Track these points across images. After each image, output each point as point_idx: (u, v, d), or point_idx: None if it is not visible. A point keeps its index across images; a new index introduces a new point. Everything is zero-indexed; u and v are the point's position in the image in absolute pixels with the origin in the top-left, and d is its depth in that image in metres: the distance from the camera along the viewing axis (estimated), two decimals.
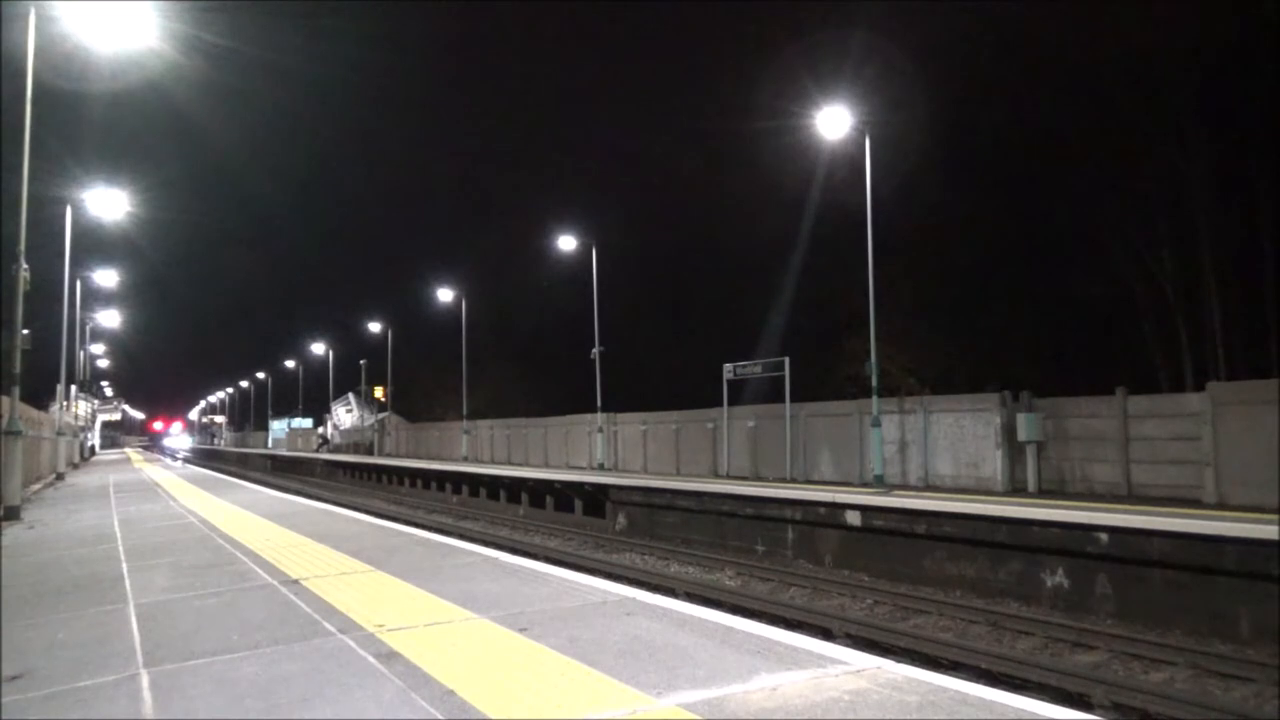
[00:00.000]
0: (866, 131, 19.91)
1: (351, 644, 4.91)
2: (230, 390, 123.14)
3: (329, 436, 72.75)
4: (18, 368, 14.13)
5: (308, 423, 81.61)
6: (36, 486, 22.20)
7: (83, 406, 53.86)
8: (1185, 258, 26.37)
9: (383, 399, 61.80)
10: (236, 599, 6.38)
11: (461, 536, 17.14)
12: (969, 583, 13.28)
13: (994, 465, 18.45)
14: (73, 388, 41.98)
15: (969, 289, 31.26)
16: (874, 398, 19.95)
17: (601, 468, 29.33)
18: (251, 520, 12.22)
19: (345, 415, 71.06)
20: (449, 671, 4.28)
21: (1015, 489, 17.91)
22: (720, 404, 25.45)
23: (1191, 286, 26.30)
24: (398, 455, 53.33)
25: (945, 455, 19.56)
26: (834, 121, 19.84)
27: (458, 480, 32.47)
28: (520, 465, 35.55)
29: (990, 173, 30.57)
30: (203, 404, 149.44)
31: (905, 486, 19.47)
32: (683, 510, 19.71)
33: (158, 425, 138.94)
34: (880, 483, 18.85)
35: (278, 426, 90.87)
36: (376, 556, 8.24)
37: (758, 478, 23.38)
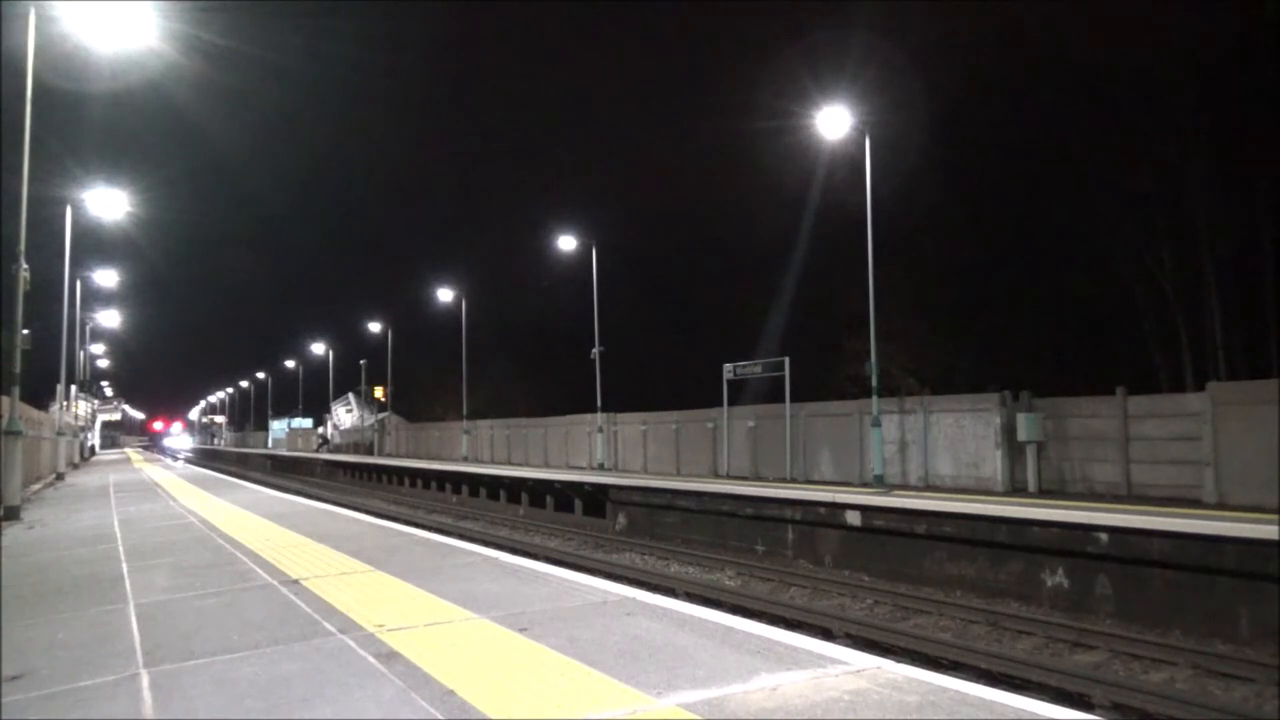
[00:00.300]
0: (866, 131, 19.91)
1: (351, 644, 4.91)
2: (230, 390, 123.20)
3: (329, 436, 72.76)
4: (18, 368, 14.13)
5: (308, 423, 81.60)
6: (36, 486, 22.20)
7: (83, 406, 53.87)
8: (1185, 258, 26.36)
9: (383, 399, 61.80)
10: (236, 599, 6.38)
11: (461, 536, 17.14)
12: (969, 583, 13.28)
13: (994, 465, 18.45)
14: (73, 388, 41.98)
15: (969, 289, 31.25)
16: (874, 398, 19.95)
17: (601, 468, 29.33)
18: (251, 520, 12.22)
19: (345, 415, 71.07)
20: (449, 671, 4.28)
21: (1015, 489, 17.91)
22: (720, 404, 25.45)
23: (1191, 286, 26.29)
24: (398, 455, 53.33)
25: (945, 455, 19.56)
26: (834, 121, 19.84)
27: (458, 480, 32.48)
28: (520, 465, 35.55)
29: (990, 173, 30.58)
30: (203, 404, 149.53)
31: (905, 486, 19.47)
32: (683, 510, 19.71)
33: (158, 425, 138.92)
34: (880, 483, 18.85)
35: (278, 426, 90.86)
36: (376, 556, 8.24)
37: (758, 478, 23.38)
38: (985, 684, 5.91)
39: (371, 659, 4.58)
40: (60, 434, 31.16)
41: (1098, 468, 16.95)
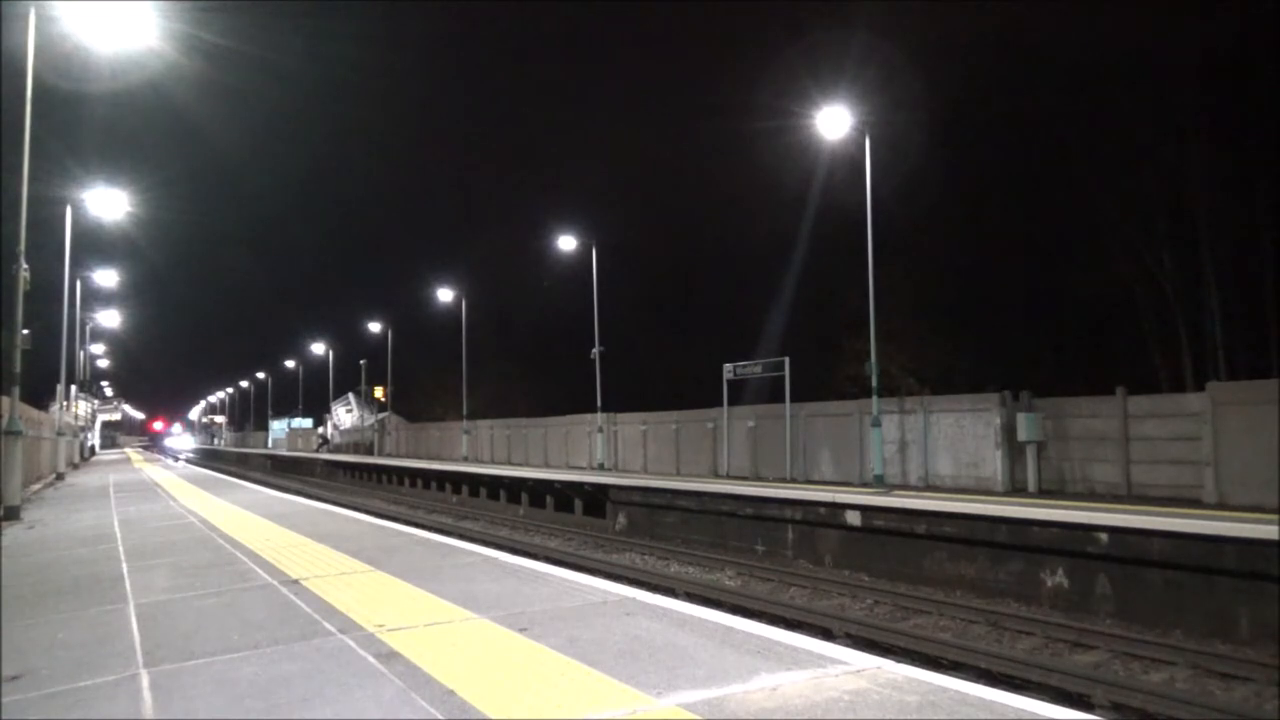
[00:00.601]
0: (866, 131, 19.91)
1: (351, 644, 4.91)
2: (230, 390, 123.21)
3: (329, 436, 72.76)
4: (18, 368, 14.13)
5: (308, 423, 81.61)
6: (36, 486, 22.20)
7: (83, 406, 53.87)
8: (1185, 258, 26.37)
9: (383, 399, 61.81)
10: (236, 599, 6.38)
11: (461, 536, 17.14)
12: (969, 583, 13.28)
13: (994, 465, 18.45)
14: (73, 388, 41.97)
15: (969, 289, 31.26)
16: (874, 398, 19.95)
17: (601, 468, 29.33)
18: (251, 520, 12.21)
19: (345, 415, 71.08)
20: (449, 671, 4.28)
21: (1015, 489, 17.91)
22: (720, 404, 25.45)
23: (1191, 286, 26.30)
24: (398, 455, 53.33)
25: (945, 455, 19.56)
26: (834, 121, 19.84)
27: (457, 480, 32.48)
28: (520, 465, 35.55)
29: (990, 172, 30.59)
30: (203, 404, 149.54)
31: (905, 486, 19.47)
32: (683, 510, 19.71)
33: (158, 425, 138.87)
34: (880, 483, 18.85)
35: (278, 426, 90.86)
36: (376, 556, 8.24)
37: (758, 478, 23.38)
38: (985, 684, 5.91)
39: (371, 659, 4.58)
40: (60, 434, 31.16)
41: (1098, 468, 16.95)
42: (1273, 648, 9.29)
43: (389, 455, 54.14)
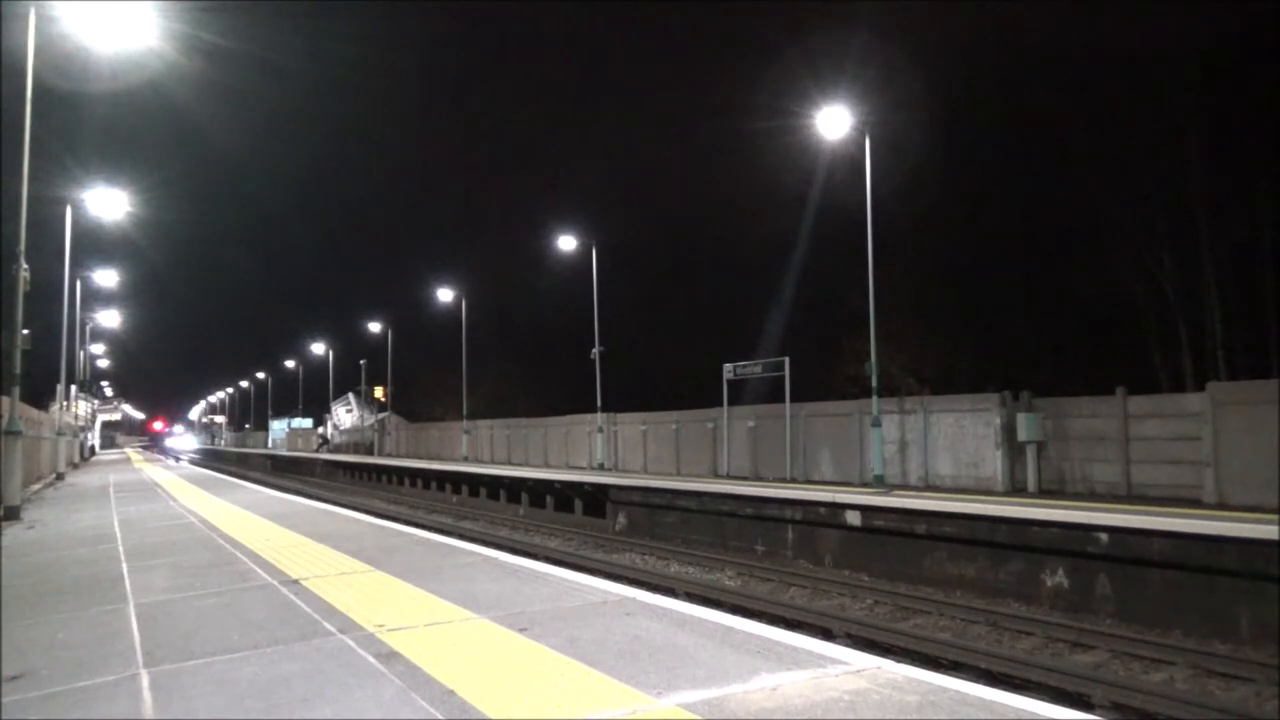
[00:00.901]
0: (866, 131, 19.91)
1: (351, 644, 4.91)
2: (230, 390, 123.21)
3: (329, 436, 72.76)
4: (18, 368, 14.13)
5: (308, 423, 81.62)
6: (36, 486, 22.20)
7: (83, 406, 53.87)
8: (1185, 258, 26.37)
9: (383, 399, 61.81)
10: (236, 599, 6.38)
11: (461, 536, 17.14)
12: (969, 583, 13.28)
13: (994, 465, 18.45)
14: (73, 388, 41.97)
15: (969, 289, 31.27)
16: (874, 398, 19.95)
17: (601, 468, 29.33)
18: (251, 520, 12.22)
19: (345, 415, 71.08)
20: (449, 671, 4.28)
21: (1015, 489, 17.91)
22: (720, 404, 25.45)
23: (1191, 286, 26.30)
24: (398, 455, 53.33)
25: (945, 455, 19.56)
26: (834, 121, 19.84)
27: (458, 480, 32.48)
28: (520, 465, 35.55)
29: (990, 172, 30.59)
30: (203, 404, 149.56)
31: (905, 486, 19.47)
32: (683, 510, 19.71)
33: (158, 425, 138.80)
34: (880, 483, 18.85)
35: (278, 426, 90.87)
36: (376, 556, 8.24)
37: (758, 478, 23.38)
38: (985, 684, 5.91)
39: (371, 659, 4.58)
40: (60, 434, 31.16)
41: (1098, 468, 16.95)
42: (1273, 648, 9.30)
43: (389, 455, 54.14)
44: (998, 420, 18.40)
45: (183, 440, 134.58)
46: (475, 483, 31.01)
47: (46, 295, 27.02)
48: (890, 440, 20.32)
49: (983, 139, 30.34)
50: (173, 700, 4.01)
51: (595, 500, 23.24)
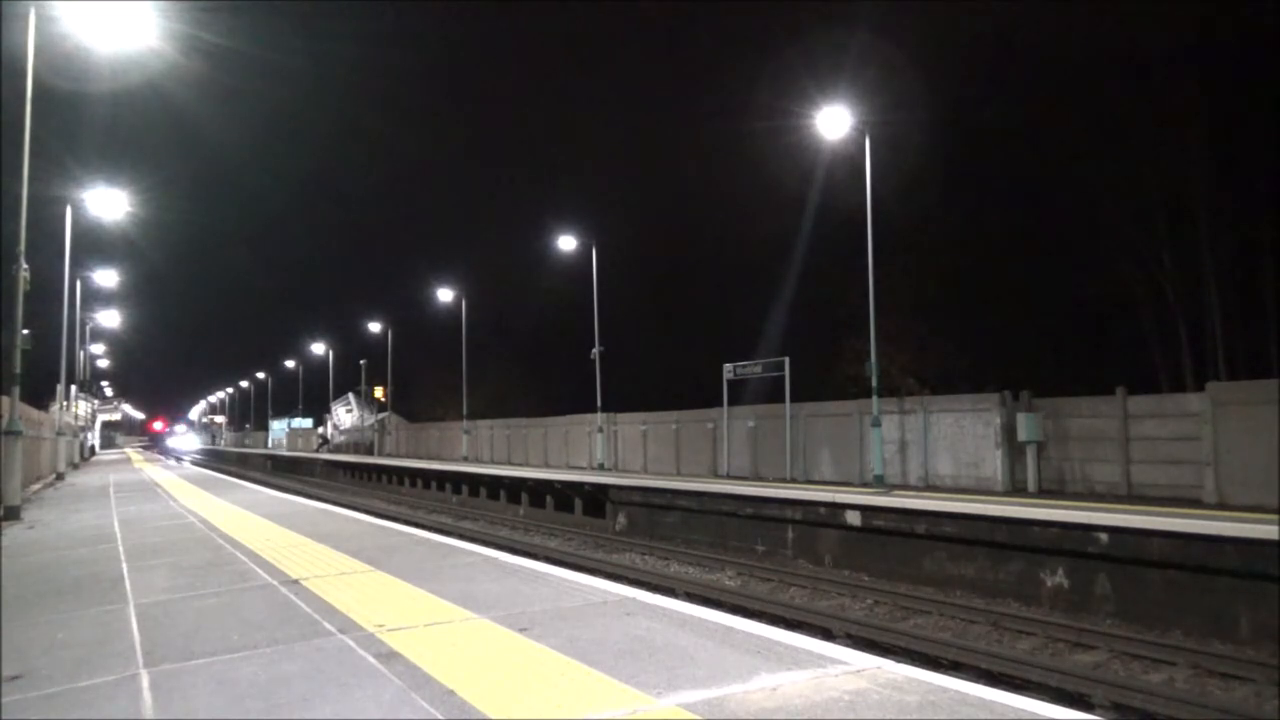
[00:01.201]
0: (866, 131, 19.91)
1: (351, 644, 4.91)
2: (230, 390, 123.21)
3: (329, 436, 72.75)
4: (18, 368, 14.14)
5: (308, 423, 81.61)
6: (36, 486, 22.20)
7: (83, 406, 53.86)
8: (1185, 258, 26.36)
9: (383, 399, 61.81)
10: (236, 599, 6.38)
11: (461, 536, 17.14)
12: (969, 583, 13.28)
13: (994, 465, 18.45)
14: (73, 388, 41.97)
15: (969, 289, 31.24)
16: (874, 398, 19.94)
17: (601, 468, 29.33)
18: (251, 520, 12.22)
19: (345, 415, 71.06)
20: (449, 671, 4.28)
21: (1015, 489, 17.91)
22: (720, 404, 25.44)
23: (1191, 286, 26.30)
24: (398, 455, 53.33)
25: (945, 455, 19.56)
26: (834, 121, 19.84)
27: (457, 480, 32.47)
28: (520, 465, 35.55)
29: (990, 172, 30.59)
30: (203, 404, 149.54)
31: (905, 486, 19.47)
32: (683, 510, 19.71)
33: (158, 425, 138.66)
34: (880, 483, 18.85)
35: (278, 426, 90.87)
36: (376, 556, 8.24)
37: (758, 478, 23.38)
38: (985, 684, 5.92)
39: (371, 659, 4.58)
40: (60, 434, 31.16)
41: (1098, 468, 16.96)
42: (1273, 648, 9.30)
43: (389, 455, 54.14)
44: (998, 420, 18.40)
45: (185, 440, 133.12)
46: (475, 483, 31.01)
47: (46, 295, 27.04)
48: (890, 440, 20.31)
49: (983, 139, 30.33)
50: (173, 700, 4.01)
51: (595, 500, 23.24)
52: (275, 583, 6.99)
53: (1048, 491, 17.23)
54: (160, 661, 4.68)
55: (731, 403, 25.33)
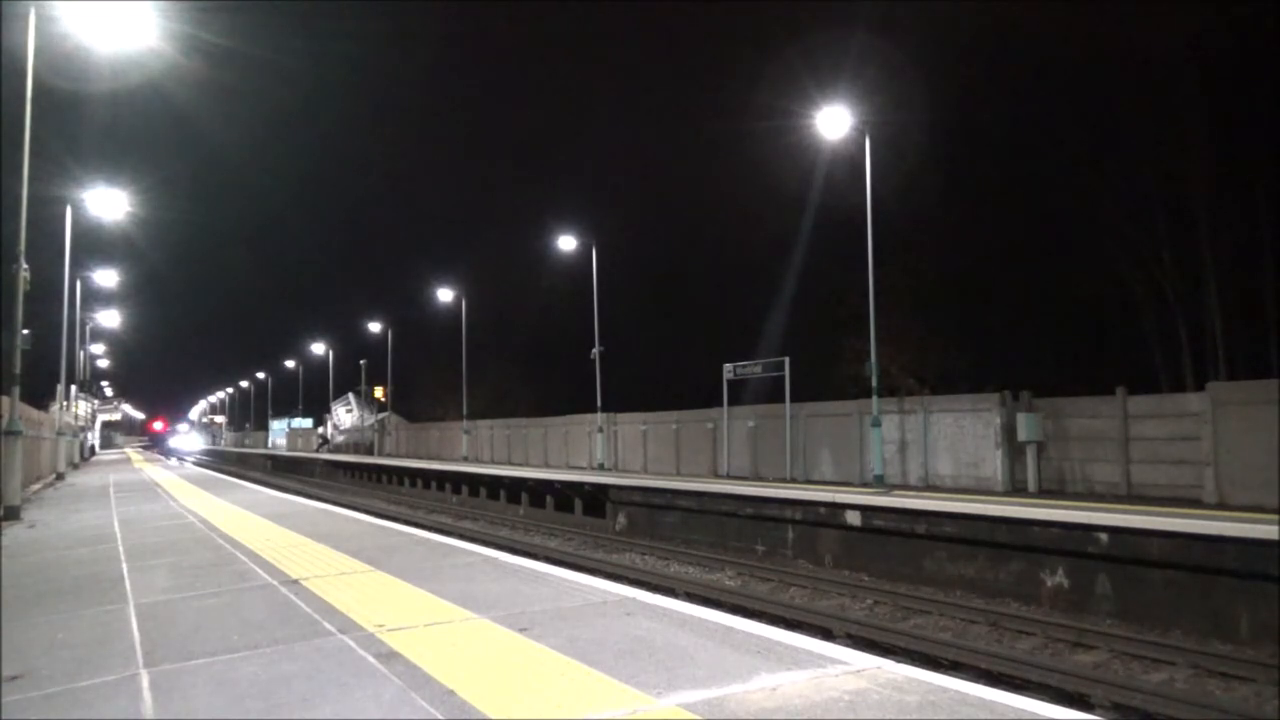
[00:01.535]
0: (866, 131, 19.91)
1: (351, 644, 4.91)
2: (230, 390, 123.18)
3: (329, 436, 72.73)
4: (18, 368, 14.13)
5: (308, 423, 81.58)
6: (36, 486, 22.20)
7: (83, 407, 53.85)
8: (1185, 258, 26.36)
9: (383, 399, 61.79)
10: (236, 599, 6.38)
11: (461, 536, 17.14)
12: (969, 583, 13.28)
13: (994, 465, 18.45)
14: (73, 388, 41.96)
15: (969, 289, 31.24)
16: (874, 398, 19.94)
17: (601, 468, 29.32)
18: (251, 520, 12.22)
19: (345, 415, 71.04)
20: (449, 671, 4.28)
21: (1015, 489, 17.91)
22: (720, 404, 25.44)
23: (1191, 286, 26.29)
24: (398, 455, 53.32)
25: (945, 455, 19.56)
26: (834, 121, 19.83)
27: (457, 480, 32.47)
28: (520, 465, 35.55)
29: (990, 172, 30.58)
30: (203, 404, 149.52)
31: (905, 486, 19.47)
32: (683, 510, 19.71)
33: (157, 425, 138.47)
34: (880, 483, 18.85)
35: (277, 426, 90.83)
36: (376, 556, 8.24)
37: (758, 478, 23.37)
38: (985, 684, 5.92)
39: (371, 659, 4.58)
40: (60, 434, 31.15)
41: (1098, 468, 16.95)
42: (1273, 648, 9.30)
43: (389, 455, 54.14)
44: (998, 420, 18.39)
45: (189, 439, 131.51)
46: (475, 483, 31.01)
47: (46, 295, 27.02)
48: (890, 440, 20.31)
49: (982, 139, 30.34)
50: (173, 700, 4.01)
51: (595, 500, 23.24)
52: (275, 583, 6.99)
53: (1048, 491, 17.23)
54: (160, 661, 4.68)
55: (731, 403, 25.33)
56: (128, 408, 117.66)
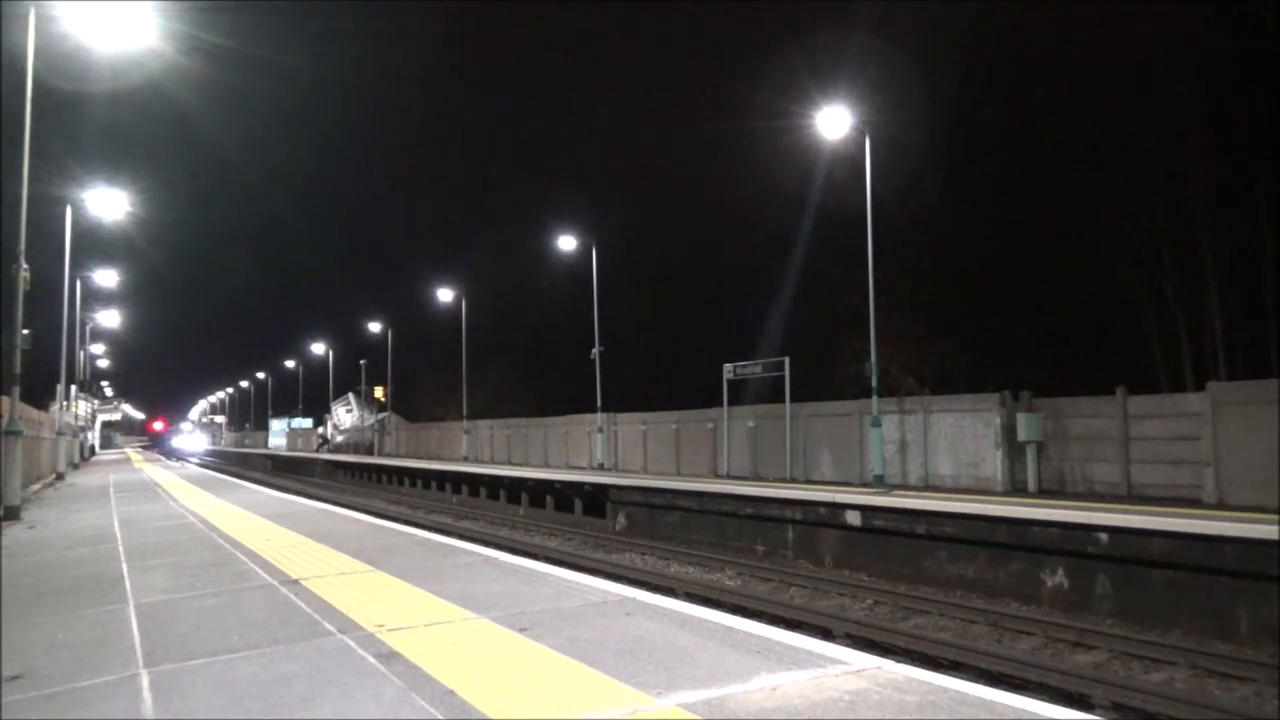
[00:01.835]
0: (866, 131, 19.90)
1: (351, 644, 4.91)
2: (230, 390, 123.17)
3: (329, 436, 72.72)
4: (18, 368, 14.13)
5: (308, 423, 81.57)
6: (36, 486, 22.19)
7: (83, 406, 53.85)
8: (1185, 258, 26.36)
9: (383, 399, 61.78)
10: (236, 599, 6.38)
11: (461, 536, 17.14)
12: (969, 583, 13.28)
13: (994, 465, 18.45)
14: (73, 388, 41.96)
15: (969, 289, 31.26)
16: (874, 398, 19.94)
17: (601, 468, 29.32)
18: (251, 520, 12.22)
19: (345, 415, 71.02)
20: (449, 671, 4.28)
21: (1015, 489, 17.91)
22: (720, 404, 25.43)
23: (1191, 286, 26.30)
24: (398, 455, 53.32)
25: (945, 455, 19.56)
26: (834, 121, 19.82)
27: (458, 480, 32.47)
28: (520, 465, 35.55)
29: (990, 172, 30.61)
30: (203, 404, 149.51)
31: (905, 486, 19.47)
32: (683, 510, 19.71)
33: (157, 425, 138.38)
34: (880, 483, 18.84)
35: (278, 426, 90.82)
36: (376, 556, 8.24)
37: (758, 478, 23.37)
38: (985, 684, 5.92)
39: (371, 659, 4.58)
40: (60, 434, 31.14)
41: (1098, 468, 16.95)
42: (1273, 648, 9.30)
43: (389, 455, 54.13)
44: (998, 420, 18.39)
45: (192, 439, 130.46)
46: (475, 483, 31.01)
47: (46, 295, 27.03)
48: (890, 440, 20.31)
49: (982, 139, 30.37)
50: (173, 700, 4.01)
51: (595, 500, 23.24)
52: (275, 583, 6.99)
53: (1048, 491, 17.23)
54: (160, 661, 4.68)
55: (731, 403, 25.32)
56: (128, 408, 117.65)
